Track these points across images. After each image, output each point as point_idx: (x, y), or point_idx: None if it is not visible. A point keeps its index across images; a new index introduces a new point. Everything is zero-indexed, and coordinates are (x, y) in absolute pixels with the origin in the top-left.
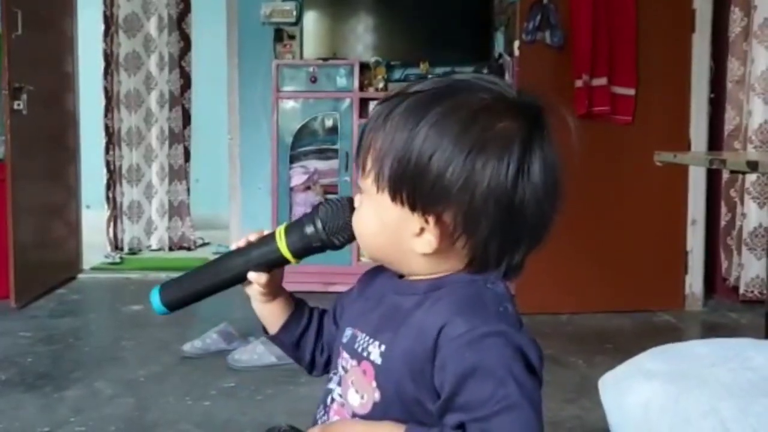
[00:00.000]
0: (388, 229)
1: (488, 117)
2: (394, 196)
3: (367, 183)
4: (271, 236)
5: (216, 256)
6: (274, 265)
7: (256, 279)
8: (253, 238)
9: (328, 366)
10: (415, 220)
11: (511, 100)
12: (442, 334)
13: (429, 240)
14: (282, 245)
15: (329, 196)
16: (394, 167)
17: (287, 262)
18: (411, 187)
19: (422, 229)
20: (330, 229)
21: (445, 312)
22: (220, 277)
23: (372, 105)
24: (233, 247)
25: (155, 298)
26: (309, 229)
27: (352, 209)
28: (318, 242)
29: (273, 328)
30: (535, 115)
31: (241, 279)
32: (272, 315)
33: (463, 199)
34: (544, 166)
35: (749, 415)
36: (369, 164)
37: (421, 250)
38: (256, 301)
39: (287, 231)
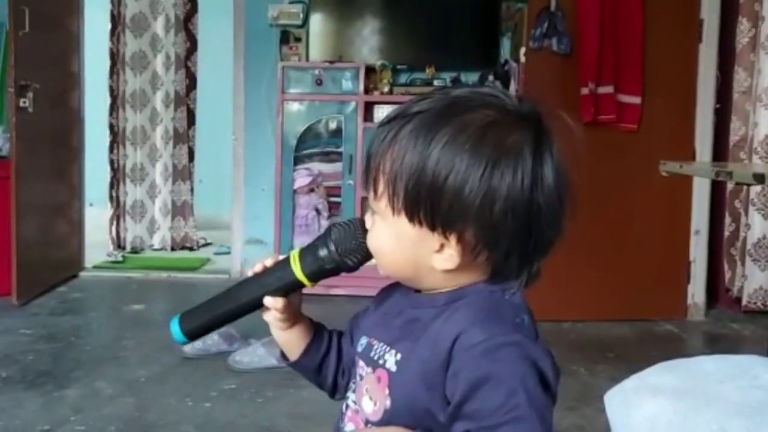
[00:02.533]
0: (407, 248)
1: (497, 132)
2: (412, 217)
3: (381, 205)
4: (286, 260)
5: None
6: (289, 290)
7: (273, 304)
8: (268, 263)
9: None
10: (434, 238)
11: (515, 112)
12: (457, 342)
13: (450, 256)
14: (296, 269)
15: (333, 205)
16: (408, 190)
17: (303, 285)
18: (428, 208)
19: (442, 246)
20: (343, 251)
21: (461, 321)
22: (237, 304)
23: (377, 108)
24: (249, 273)
25: (175, 328)
26: (322, 252)
27: (365, 230)
28: (332, 264)
29: (293, 354)
30: (538, 123)
31: (259, 305)
32: (292, 341)
33: (482, 215)
34: (555, 172)
35: None
36: (381, 187)
37: (442, 267)
38: (275, 327)
39: (301, 255)
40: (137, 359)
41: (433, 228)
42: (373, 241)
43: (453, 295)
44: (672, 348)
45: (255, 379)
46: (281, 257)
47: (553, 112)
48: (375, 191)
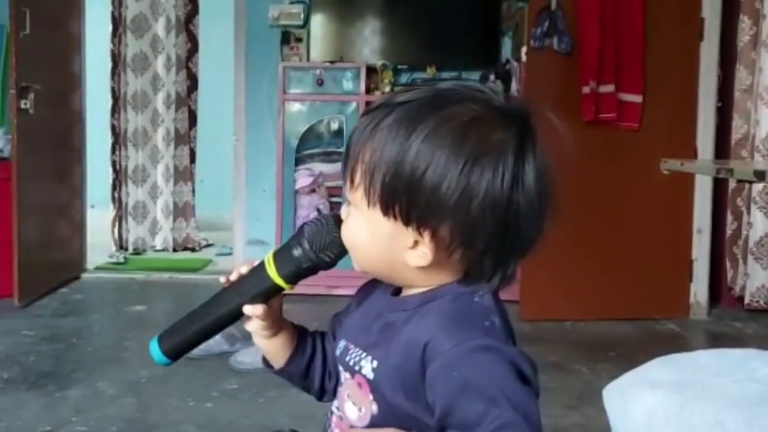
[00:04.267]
0: (381, 242)
1: (480, 128)
2: (387, 210)
3: (357, 196)
4: (261, 265)
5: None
6: (268, 295)
7: (252, 311)
8: (244, 270)
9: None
10: (408, 234)
11: (500, 109)
12: (427, 350)
13: (423, 253)
14: (272, 272)
15: (334, 205)
16: (385, 182)
17: (281, 289)
18: (404, 201)
19: (416, 242)
20: (317, 247)
21: (429, 327)
22: (215, 316)
23: None
24: (222, 280)
25: (155, 349)
26: (296, 251)
27: (339, 224)
28: (308, 262)
29: (278, 362)
30: (524, 122)
31: (238, 314)
32: (276, 349)
33: (459, 212)
34: (537, 174)
35: (754, 426)
36: (358, 177)
37: (415, 264)
38: (258, 336)
39: (275, 257)
40: (139, 360)
41: (407, 223)
42: (348, 234)
43: (424, 298)
44: (674, 347)
45: (257, 379)
46: (256, 263)
47: (540, 112)
48: (352, 181)
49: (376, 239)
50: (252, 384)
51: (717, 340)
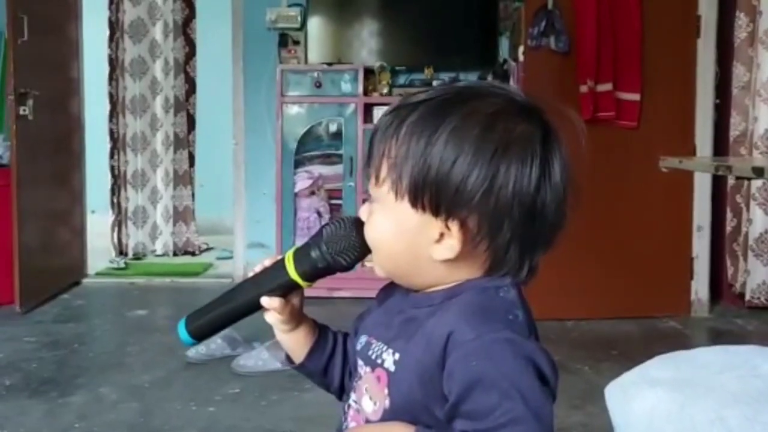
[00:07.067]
0: (407, 236)
1: (506, 120)
2: (415, 201)
3: (383, 191)
4: (282, 260)
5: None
6: (286, 290)
7: (269, 304)
8: (267, 263)
9: None
10: (435, 226)
11: (523, 103)
12: (449, 341)
13: (451, 245)
14: (290, 268)
15: (334, 208)
16: (414, 174)
17: (298, 286)
18: (433, 192)
19: (442, 235)
20: (334, 250)
21: (453, 320)
22: (237, 304)
23: (376, 110)
24: (250, 273)
25: (182, 330)
26: (314, 252)
27: (359, 228)
28: (324, 263)
29: (298, 357)
30: (544, 116)
31: (257, 305)
32: (295, 343)
33: (487, 202)
34: (562, 165)
35: (756, 423)
36: (383, 172)
37: (441, 257)
38: (278, 330)
39: (296, 254)
40: (141, 365)
41: (436, 213)
42: (372, 231)
43: (448, 293)
44: (676, 344)
45: (259, 383)
46: (280, 257)
47: (556, 109)
48: (377, 177)
49: (401, 233)
50: (254, 387)
51: (719, 337)
